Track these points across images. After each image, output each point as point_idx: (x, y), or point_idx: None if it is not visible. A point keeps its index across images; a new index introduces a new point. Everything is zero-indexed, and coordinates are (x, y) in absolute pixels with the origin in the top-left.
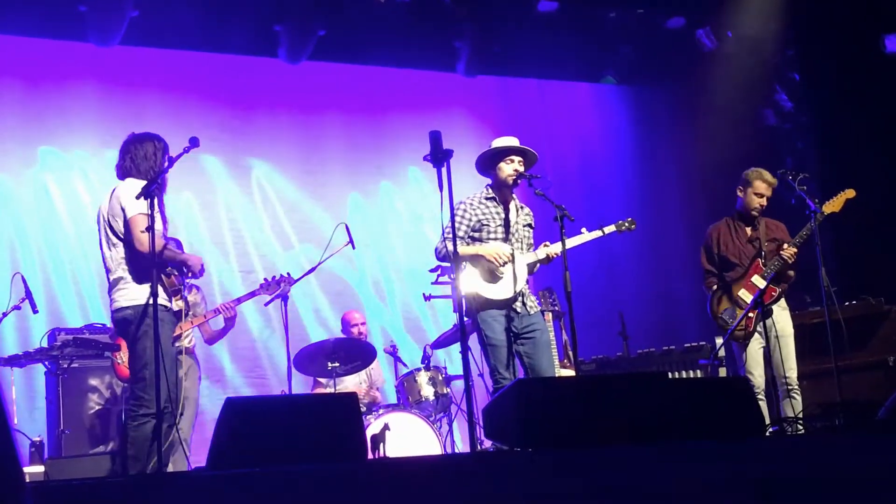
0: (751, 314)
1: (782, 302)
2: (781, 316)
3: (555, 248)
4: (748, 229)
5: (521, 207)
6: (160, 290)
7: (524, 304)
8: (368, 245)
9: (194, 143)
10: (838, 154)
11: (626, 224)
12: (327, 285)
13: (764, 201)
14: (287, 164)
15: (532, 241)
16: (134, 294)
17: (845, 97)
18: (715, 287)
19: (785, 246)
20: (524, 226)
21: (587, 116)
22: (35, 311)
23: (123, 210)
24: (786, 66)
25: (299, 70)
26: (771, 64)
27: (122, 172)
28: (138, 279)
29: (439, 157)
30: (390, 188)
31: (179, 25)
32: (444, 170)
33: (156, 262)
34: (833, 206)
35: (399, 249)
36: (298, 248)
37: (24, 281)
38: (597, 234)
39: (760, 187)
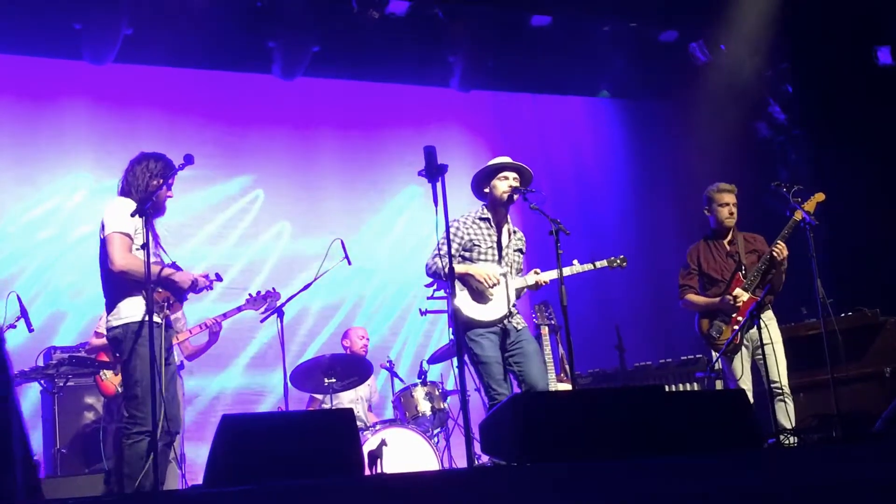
0: (735, 326)
1: (768, 313)
2: (769, 326)
3: (544, 277)
4: (726, 244)
5: (514, 231)
6: (143, 306)
7: (510, 322)
8: (364, 261)
9: (189, 160)
10: (832, 166)
11: (618, 261)
12: (323, 301)
13: (732, 209)
14: (282, 180)
15: (522, 266)
16: (122, 313)
17: (838, 109)
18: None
19: (777, 247)
20: (515, 250)
21: (582, 130)
22: (31, 330)
23: (103, 227)
24: (778, 78)
25: (294, 86)
26: (764, 76)
27: (118, 189)
28: (120, 297)
29: (434, 172)
30: (386, 203)
31: (174, 43)
32: (438, 185)
33: (149, 281)
34: (805, 209)
35: (395, 264)
36: (294, 264)
37: (19, 299)
38: (588, 267)
39: (723, 198)
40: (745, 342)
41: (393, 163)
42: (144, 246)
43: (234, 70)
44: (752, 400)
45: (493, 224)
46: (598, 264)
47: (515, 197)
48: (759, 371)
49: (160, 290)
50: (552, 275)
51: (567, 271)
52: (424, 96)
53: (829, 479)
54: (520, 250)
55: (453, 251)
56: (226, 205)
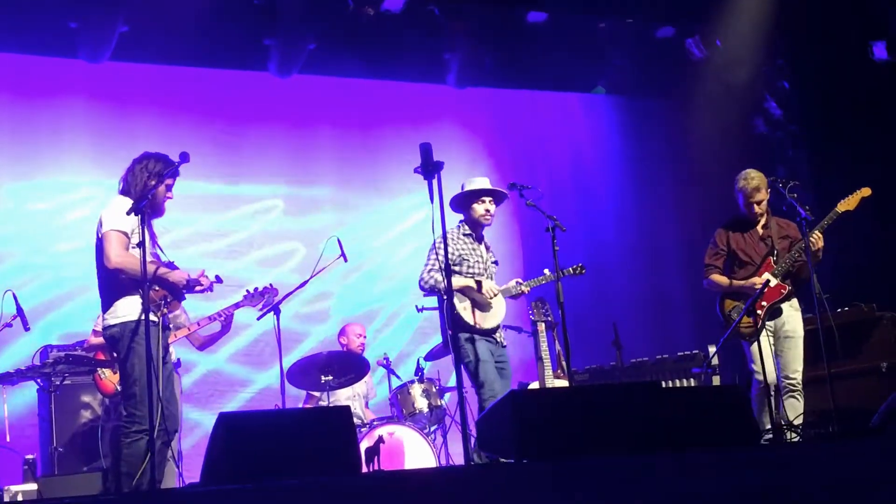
0: (759, 311)
1: (794, 302)
2: (793, 316)
3: (524, 287)
4: (759, 228)
5: (488, 246)
6: (140, 305)
7: (499, 336)
8: (360, 258)
9: (184, 158)
10: (828, 161)
11: (579, 269)
12: (320, 298)
13: (760, 197)
14: (278, 177)
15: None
16: (119, 311)
17: (835, 104)
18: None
19: (813, 237)
20: (492, 262)
21: (578, 126)
22: (27, 329)
23: (101, 225)
24: (775, 74)
25: (290, 84)
26: (760, 72)
27: (119, 188)
28: (117, 295)
29: (430, 169)
30: (382, 200)
31: (169, 41)
32: (434, 182)
33: (146, 280)
34: (848, 204)
35: (391, 261)
36: (290, 261)
37: (15, 298)
38: (553, 276)
39: (754, 197)
40: (767, 329)
41: (389, 160)
42: (141, 244)
43: (231, 68)
44: (774, 383)
45: (475, 239)
46: (565, 272)
47: (491, 221)
48: (775, 362)
49: (157, 288)
50: (533, 283)
51: (537, 282)
52: (420, 93)
53: (826, 475)
54: (495, 262)
55: (442, 264)
56: (220, 202)
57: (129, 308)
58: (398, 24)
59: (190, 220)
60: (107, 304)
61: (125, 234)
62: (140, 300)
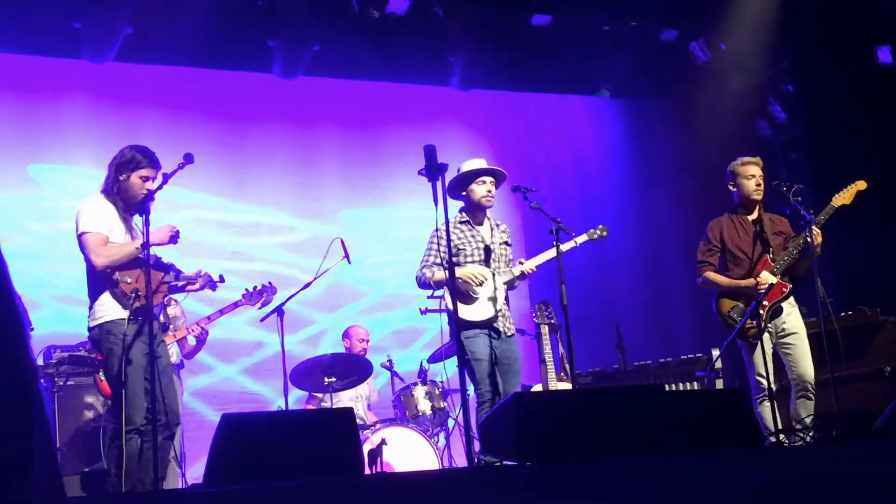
0: (760, 311)
1: (791, 300)
2: (792, 314)
3: (529, 265)
4: (752, 222)
5: (497, 225)
6: (115, 303)
7: (502, 325)
8: (364, 260)
9: (189, 159)
10: (832, 165)
11: (598, 232)
12: (324, 300)
13: (759, 180)
14: (282, 179)
15: (511, 257)
16: (97, 313)
17: (839, 108)
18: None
19: (814, 232)
20: (501, 244)
21: (582, 129)
22: (30, 329)
23: (76, 229)
24: (779, 77)
25: (294, 85)
26: (764, 76)
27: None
28: (95, 296)
29: (434, 171)
30: (385, 202)
31: (174, 42)
32: (438, 184)
33: (149, 280)
34: (844, 198)
35: (394, 263)
36: (293, 263)
37: (19, 299)
38: (570, 244)
39: (748, 170)
40: (769, 328)
41: (393, 161)
42: (145, 245)
43: (235, 69)
44: (771, 389)
45: (473, 225)
46: (579, 240)
47: (492, 203)
48: (784, 363)
49: (128, 280)
50: (538, 260)
51: (550, 254)
52: (425, 95)
53: (829, 477)
54: (506, 242)
55: (439, 260)
56: (223, 204)
57: (104, 309)
58: (402, 26)
59: (191, 221)
60: (90, 307)
61: (100, 233)
62: (112, 298)
